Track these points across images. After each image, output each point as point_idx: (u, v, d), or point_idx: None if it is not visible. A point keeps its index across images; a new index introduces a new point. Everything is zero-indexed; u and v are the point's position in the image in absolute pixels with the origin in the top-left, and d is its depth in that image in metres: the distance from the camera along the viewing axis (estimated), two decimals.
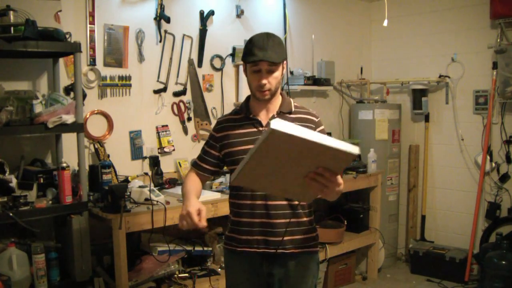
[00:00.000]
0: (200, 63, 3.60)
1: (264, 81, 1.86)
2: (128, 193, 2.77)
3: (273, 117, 1.94)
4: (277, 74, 1.89)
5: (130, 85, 3.23)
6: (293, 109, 1.98)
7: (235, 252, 2.01)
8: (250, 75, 1.90)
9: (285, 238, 1.93)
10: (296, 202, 1.93)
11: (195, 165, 2.08)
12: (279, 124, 1.38)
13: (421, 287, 4.17)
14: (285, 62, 1.94)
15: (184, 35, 3.50)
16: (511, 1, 3.87)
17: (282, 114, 1.96)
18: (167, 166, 3.40)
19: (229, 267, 2.09)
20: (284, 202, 1.87)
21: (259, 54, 1.82)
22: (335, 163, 1.54)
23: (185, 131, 3.56)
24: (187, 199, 1.85)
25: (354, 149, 1.47)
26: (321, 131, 1.97)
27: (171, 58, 3.44)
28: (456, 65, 4.39)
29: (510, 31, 4.00)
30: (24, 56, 2.68)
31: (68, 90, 2.87)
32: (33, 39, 2.33)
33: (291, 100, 2.02)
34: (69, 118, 2.49)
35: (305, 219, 1.98)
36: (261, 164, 1.53)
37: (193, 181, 2.02)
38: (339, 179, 1.59)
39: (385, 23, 3.69)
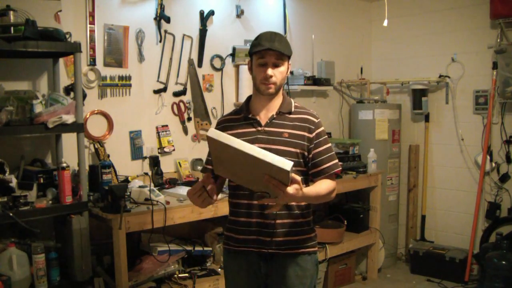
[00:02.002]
0: (200, 63, 3.60)
1: (270, 72, 1.86)
2: (128, 193, 2.77)
3: (272, 117, 1.94)
4: (283, 69, 1.90)
5: (130, 85, 3.23)
6: (293, 110, 1.97)
7: (233, 251, 2.01)
8: (256, 68, 1.90)
9: (282, 238, 1.93)
10: (294, 203, 1.93)
11: (204, 171, 2.06)
12: (213, 133, 1.63)
13: (421, 287, 4.17)
14: (289, 62, 1.95)
15: (184, 35, 3.50)
16: (511, 1, 3.87)
17: (282, 114, 1.95)
18: (167, 166, 3.40)
19: (228, 267, 2.08)
20: None
21: (266, 44, 1.85)
22: (275, 175, 1.60)
23: (185, 131, 3.56)
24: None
25: (285, 164, 1.54)
26: (321, 133, 1.96)
27: (171, 58, 3.44)
28: (456, 65, 4.39)
29: (510, 31, 4.00)
30: (24, 56, 2.68)
31: (68, 90, 2.87)
32: (33, 39, 2.33)
33: (292, 100, 2.01)
34: (69, 118, 2.49)
35: (301, 219, 1.98)
36: (223, 161, 1.71)
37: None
38: (288, 190, 1.61)
39: (385, 23, 3.69)
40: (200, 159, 3.52)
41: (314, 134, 1.94)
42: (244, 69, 3.72)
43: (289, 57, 1.92)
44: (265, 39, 1.87)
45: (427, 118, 4.59)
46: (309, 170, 1.95)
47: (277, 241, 1.92)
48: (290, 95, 3.99)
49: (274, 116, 1.95)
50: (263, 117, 1.96)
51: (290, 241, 1.94)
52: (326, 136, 1.99)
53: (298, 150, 1.91)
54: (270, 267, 1.96)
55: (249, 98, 2.03)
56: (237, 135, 1.93)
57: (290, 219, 1.94)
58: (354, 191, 4.18)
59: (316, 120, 1.96)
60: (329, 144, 1.98)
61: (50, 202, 2.48)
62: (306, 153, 1.93)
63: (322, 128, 1.97)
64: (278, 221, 1.91)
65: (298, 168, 1.92)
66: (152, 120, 3.38)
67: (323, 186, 1.88)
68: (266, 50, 1.85)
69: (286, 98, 2.00)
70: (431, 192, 4.65)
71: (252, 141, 1.92)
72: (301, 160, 1.93)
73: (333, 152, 1.98)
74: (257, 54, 1.88)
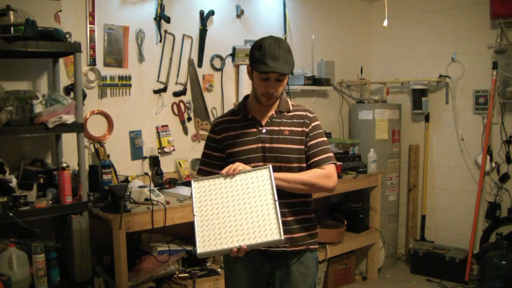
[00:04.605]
0: (200, 63, 3.60)
1: (273, 90, 1.88)
2: (128, 193, 2.77)
3: (272, 116, 1.96)
4: (284, 83, 1.92)
5: (130, 85, 3.23)
6: (291, 108, 2.00)
7: None
8: (257, 81, 1.90)
9: (286, 236, 1.93)
10: (295, 200, 1.94)
11: (202, 173, 2.04)
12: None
13: (421, 287, 4.17)
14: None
15: (184, 35, 3.50)
16: (511, 1, 3.87)
17: (281, 113, 1.98)
18: (167, 166, 3.40)
19: (229, 267, 2.08)
20: (282, 200, 1.87)
21: (271, 65, 1.80)
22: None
23: (185, 131, 3.56)
24: None
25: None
26: (316, 126, 1.97)
27: (171, 58, 3.44)
28: (456, 65, 4.39)
29: (510, 31, 4.00)
30: (24, 56, 2.68)
31: (68, 90, 2.87)
32: (33, 39, 2.33)
33: (288, 99, 2.04)
34: (69, 118, 2.49)
35: (303, 216, 1.98)
36: (208, 214, 1.80)
37: None
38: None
39: (385, 23, 3.69)
40: None
41: (310, 127, 1.96)
42: (244, 69, 3.72)
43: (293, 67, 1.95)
44: (270, 56, 1.81)
45: (427, 118, 4.59)
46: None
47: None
48: (290, 95, 4.00)
49: (274, 115, 1.97)
50: (263, 117, 1.97)
51: (293, 239, 1.95)
52: (322, 131, 2.00)
53: (301, 146, 1.93)
54: (274, 266, 1.96)
55: (245, 98, 2.04)
56: (239, 136, 1.95)
57: (293, 217, 1.94)
58: (354, 191, 4.18)
59: (311, 115, 1.99)
60: (324, 138, 1.99)
61: (50, 202, 2.48)
62: (304, 147, 1.94)
63: (317, 122, 1.99)
64: (282, 219, 1.91)
65: (302, 164, 1.93)
66: (152, 120, 3.38)
67: (308, 173, 1.90)
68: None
69: (283, 98, 2.02)
70: (431, 192, 4.65)
71: (255, 142, 1.93)
72: (303, 156, 1.94)
73: (328, 146, 1.98)
74: (259, 70, 1.84)
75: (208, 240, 1.76)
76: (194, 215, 1.81)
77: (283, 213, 1.90)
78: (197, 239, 1.77)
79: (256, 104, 1.98)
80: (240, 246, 1.72)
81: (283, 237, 1.71)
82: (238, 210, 1.78)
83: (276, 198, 1.76)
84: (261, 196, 1.78)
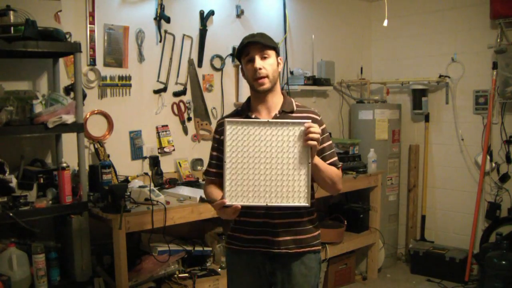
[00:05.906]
0: (200, 63, 3.60)
1: (258, 64, 1.88)
2: (128, 193, 2.77)
3: (275, 117, 1.94)
4: (272, 61, 1.92)
5: (130, 85, 3.23)
6: (295, 108, 1.98)
7: (239, 251, 2.00)
8: (246, 67, 1.93)
9: (288, 238, 1.93)
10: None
11: (208, 174, 2.04)
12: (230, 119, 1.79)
13: (421, 287, 4.17)
14: (280, 58, 1.97)
15: (184, 35, 3.50)
16: (511, 1, 3.87)
17: (284, 113, 1.96)
18: (167, 166, 3.40)
19: (232, 267, 2.08)
20: None
21: (247, 40, 1.92)
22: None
23: (185, 131, 3.56)
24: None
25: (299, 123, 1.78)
26: (324, 130, 1.98)
27: (171, 58, 3.44)
28: (456, 65, 4.39)
29: (510, 31, 4.00)
30: (24, 56, 2.68)
31: (68, 90, 2.87)
32: (33, 39, 2.33)
33: (292, 99, 2.02)
34: (69, 118, 2.49)
35: (306, 218, 1.99)
36: (238, 165, 1.76)
37: (216, 188, 2.00)
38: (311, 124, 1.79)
39: (385, 23, 3.69)
40: (200, 159, 3.52)
41: None
42: None
43: (275, 51, 1.95)
44: (247, 38, 1.94)
45: (427, 118, 4.60)
46: None
47: (284, 240, 1.93)
48: (290, 95, 3.99)
49: (278, 115, 1.95)
50: (266, 117, 1.96)
51: (296, 240, 1.95)
52: (328, 134, 2.02)
53: None
54: (276, 267, 1.97)
55: (249, 99, 2.04)
56: None
57: (295, 218, 1.94)
58: (354, 191, 4.18)
59: (319, 118, 1.99)
60: (331, 141, 2.02)
61: (50, 202, 2.48)
62: None
63: (324, 125, 2.00)
64: (284, 220, 1.92)
65: None
66: (152, 120, 3.38)
67: (332, 168, 1.96)
68: (248, 45, 1.90)
69: (287, 98, 2.01)
70: (431, 192, 4.65)
71: None
72: None
73: (334, 149, 2.03)
74: (243, 54, 1.93)
75: (235, 193, 1.76)
76: (224, 162, 1.78)
77: (284, 214, 1.92)
78: (226, 189, 1.76)
79: (259, 103, 1.97)
80: (267, 204, 1.75)
81: (309, 204, 1.74)
82: (270, 165, 1.76)
83: (311, 161, 1.76)
84: (295, 154, 1.76)
